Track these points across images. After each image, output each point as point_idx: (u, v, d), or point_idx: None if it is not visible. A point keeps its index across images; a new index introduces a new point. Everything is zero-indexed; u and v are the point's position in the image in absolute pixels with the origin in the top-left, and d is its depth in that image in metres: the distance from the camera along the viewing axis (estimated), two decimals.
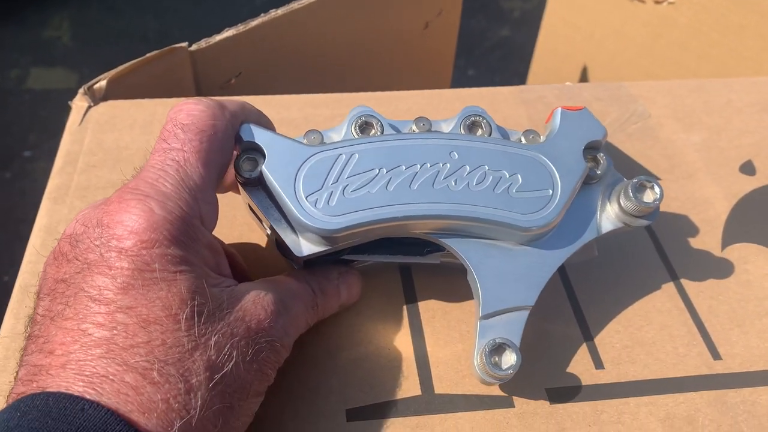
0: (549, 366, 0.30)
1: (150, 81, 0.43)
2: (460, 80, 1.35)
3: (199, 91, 0.47)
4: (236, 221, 0.36)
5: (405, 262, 0.33)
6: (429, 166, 0.28)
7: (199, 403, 0.21)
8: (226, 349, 0.22)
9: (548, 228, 0.28)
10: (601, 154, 0.31)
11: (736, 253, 0.36)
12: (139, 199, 0.23)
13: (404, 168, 0.28)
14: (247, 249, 0.34)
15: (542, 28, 0.78)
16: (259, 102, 0.42)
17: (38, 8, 1.47)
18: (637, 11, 0.69)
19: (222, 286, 0.24)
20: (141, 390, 0.20)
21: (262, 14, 0.47)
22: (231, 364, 0.22)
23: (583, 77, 0.77)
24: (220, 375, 0.22)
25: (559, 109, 0.31)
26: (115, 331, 0.21)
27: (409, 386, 0.29)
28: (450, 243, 0.29)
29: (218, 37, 0.45)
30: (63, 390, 0.20)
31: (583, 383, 0.30)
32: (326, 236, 0.27)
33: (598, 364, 0.31)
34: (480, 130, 0.30)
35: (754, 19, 0.60)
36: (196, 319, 0.22)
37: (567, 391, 0.30)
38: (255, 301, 0.25)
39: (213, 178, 0.26)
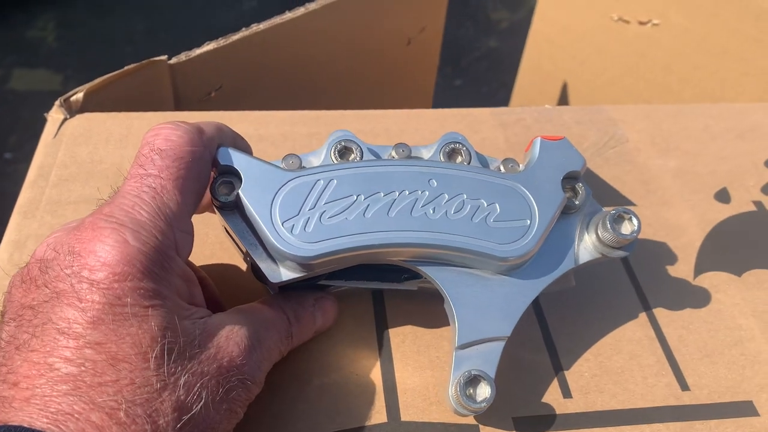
0: (517, 394, 0.30)
1: (129, 93, 0.42)
2: (446, 90, 1.36)
3: (178, 104, 0.46)
4: (208, 239, 0.35)
5: (382, 289, 0.33)
6: (407, 193, 0.28)
7: None
8: (195, 389, 0.22)
9: (525, 258, 0.29)
10: (580, 184, 0.31)
11: (708, 281, 0.36)
12: (113, 228, 0.22)
13: (382, 195, 0.28)
14: (220, 269, 0.34)
15: (527, 45, 0.79)
16: (236, 118, 0.42)
17: (23, 7, 1.44)
18: (621, 31, 0.70)
19: (194, 317, 0.24)
20: (107, 430, 0.20)
21: (243, 28, 0.47)
22: (200, 404, 0.22)
23: (568, 94, 0.77)
24: (188, 416, 0.22)
25: (539, 139, 0.31)
26: (83, 368, 0.20)
27: (375, 413, 0.29)
28: (427, 271, 0.29)
29: (198, 51, 0.45)
30: (26, 425, 0.19)
31: (551, 413, 0.30)
32: (302, 263, 0.27)
33: (566, 393, 0.31)
34: (459, 158, 0.30)
35: (736, 44, 0.61)
36: (166, 357, 0.22)
37: (534, 421, 0.30)
38: (228, 337, 0.24)
39: (189, 205, 0.25)
